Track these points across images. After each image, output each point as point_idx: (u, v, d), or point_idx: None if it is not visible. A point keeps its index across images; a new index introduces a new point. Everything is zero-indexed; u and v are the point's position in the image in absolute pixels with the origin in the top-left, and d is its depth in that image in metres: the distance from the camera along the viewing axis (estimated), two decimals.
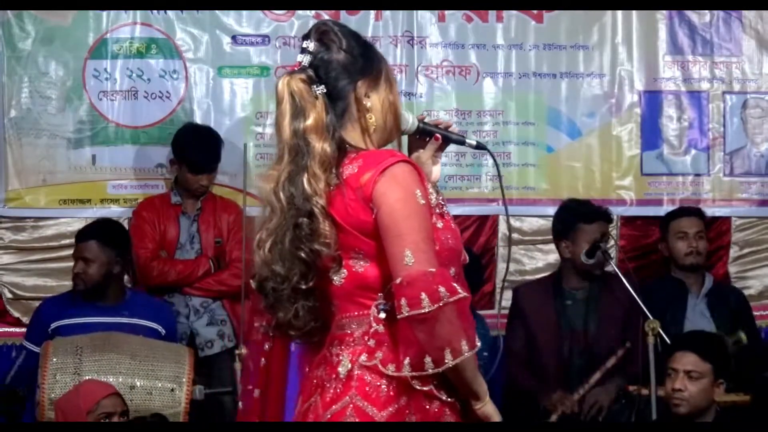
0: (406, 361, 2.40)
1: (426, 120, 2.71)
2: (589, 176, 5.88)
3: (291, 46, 5.70)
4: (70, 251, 5.13)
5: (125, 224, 5.49)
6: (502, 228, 5.80)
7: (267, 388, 2.66)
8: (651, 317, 4.60)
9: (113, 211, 5.60)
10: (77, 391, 4.13)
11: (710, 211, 5.77)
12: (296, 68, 2.55)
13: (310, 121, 2.48)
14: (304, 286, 2.47)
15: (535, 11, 5.82)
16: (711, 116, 5.94)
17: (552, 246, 5.49)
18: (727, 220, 5.94)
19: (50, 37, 5.58)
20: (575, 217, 5.25)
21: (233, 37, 5.71)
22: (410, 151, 2.73)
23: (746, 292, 5.76)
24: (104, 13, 5.60)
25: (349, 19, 5.59)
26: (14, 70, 5.57)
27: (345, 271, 2.47)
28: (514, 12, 5.81)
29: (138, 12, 5.63)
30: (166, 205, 5.39)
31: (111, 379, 4.30)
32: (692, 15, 5.91)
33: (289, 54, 5.69)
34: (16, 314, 5.56)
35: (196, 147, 5.31)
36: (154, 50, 5.67)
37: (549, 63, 5.84)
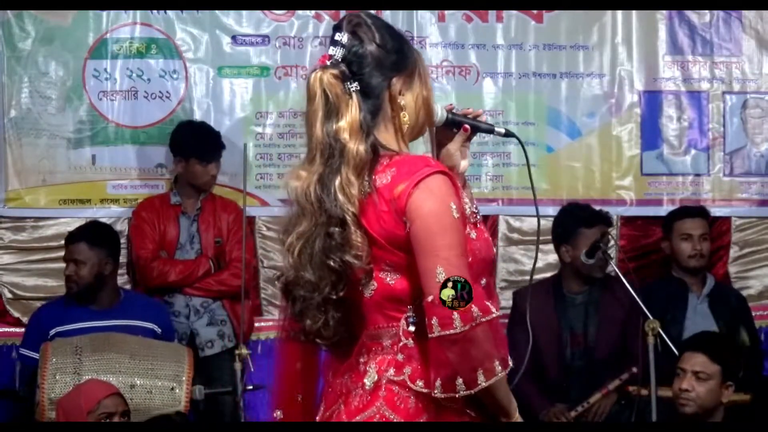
0: (438, 382, 2.30)
1: (454, 110, 2.57)
2: (589, 176, 5.87)
3: (291, 46, 5.71)
4: None
5: (125, 224, 5.50)
6: (502, 228, 5.81)
7: (307, 393, 2.56)
8: (651, 317, 4.60)
9: (113, 212, 5.59)
10: (79, 391, 4.13)
11: (710, 211, 5.75)
12: (327, 62, 2.41)
13: (344, 122, 2.36)
14: (334, 296, 2.37)
15: (535, 11, 5.82)
16: (711, 116, 5.94)
17: (552, 246, 5.49)
18: (727, 220, 5.93)
19: (50, 37, 5.58)
20: (575, 221, 5.24)
21: (233, 37, 5.71)
22: (437, 142, 2.59)
23: (746, 293, 5.76)
24: (104, 13, 5.60)
25: None
26: (14, 70, 5.56)
27: (375, 283, 2.37)
28: (514, 12, 5.81)
29: (138, 12, 5.62)
30: (166, 206, 5.38)
31: (111, 379, 4.30)
32: (692, 15, 5.91)
33: (289, 54, 5.70)
34: (16, 314, 5.55)
35: (198, 137, 5.34)
36: (154, 50, 5.66)
37: (549, 63, 5.84)
